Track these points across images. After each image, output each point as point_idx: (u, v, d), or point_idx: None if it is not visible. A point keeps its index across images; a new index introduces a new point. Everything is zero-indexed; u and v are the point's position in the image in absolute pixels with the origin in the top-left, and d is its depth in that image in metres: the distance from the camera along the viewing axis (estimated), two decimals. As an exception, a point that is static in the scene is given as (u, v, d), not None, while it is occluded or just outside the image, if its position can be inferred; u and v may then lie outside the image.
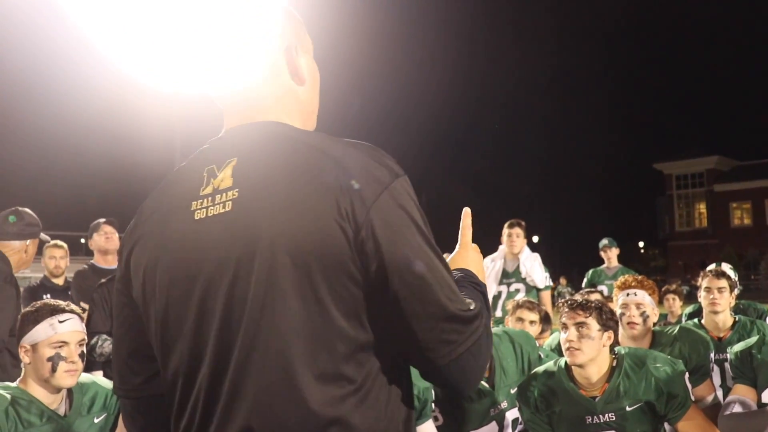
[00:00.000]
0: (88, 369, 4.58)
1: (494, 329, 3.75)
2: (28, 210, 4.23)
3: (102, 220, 5.92)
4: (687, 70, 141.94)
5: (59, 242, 6.38)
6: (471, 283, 1.50)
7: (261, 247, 1.25)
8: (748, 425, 3.30)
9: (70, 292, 6.09)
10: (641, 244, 73.32)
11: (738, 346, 3.67)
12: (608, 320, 3.25)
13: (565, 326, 3.24)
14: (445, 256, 1.36)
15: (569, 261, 60.75)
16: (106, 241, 5.78)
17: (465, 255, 1.66)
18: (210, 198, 1.35)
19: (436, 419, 3.49)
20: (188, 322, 1.33)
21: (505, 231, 7.56)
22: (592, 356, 3.19)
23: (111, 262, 5.81)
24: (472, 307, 1.31)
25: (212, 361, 1.29)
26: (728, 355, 3.86)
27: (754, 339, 3.64)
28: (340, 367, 1.25)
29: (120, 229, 6.09)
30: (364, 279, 1.26)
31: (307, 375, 1.23)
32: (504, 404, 3.62)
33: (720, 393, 4.18)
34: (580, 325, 3.19)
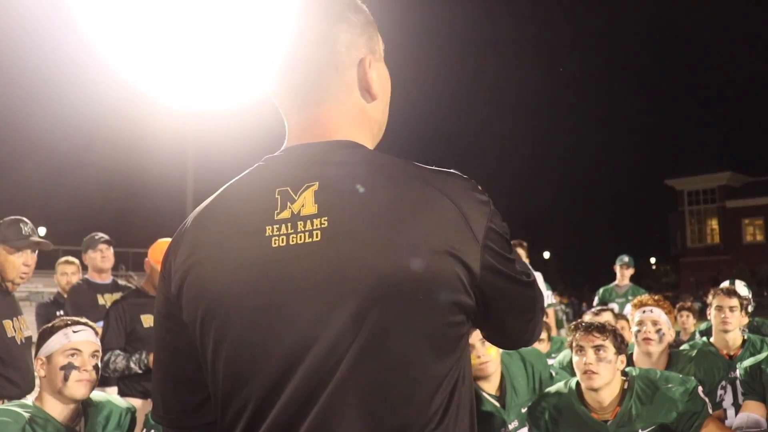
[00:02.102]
0: (103, 384, 4.64)
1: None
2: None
3: (98, 236, 5.92)
4: (699, 86, 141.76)
5: (71, 258, 6.44)
6: None
7: (367, 286, 1.19)
8: None
9: (61, 312, 6.04)
10: (653, 260, 72.88)
11: (747, 362, 3.67)
12: (621, 344, 3.24)
13: (581, 349, 3.20)
14: None
15: (580, 277, 60.52)
16: (102, 260, 5.82)
17: None
18: (289, 224, 1.26)
19: None
20: (267, 356, 1.24)
21: None
22: (608, 380, 3.16)
23: (105, 278, 5.86)
24: (536, 293, 1.43)
25: (290, 402, 1.22)
26: (738, 372, 3.87)
27: (763, 354, 3.64)
28: (427, 409, 1.22)
29: (119, 245, 6.13)
30: (471, 309, 1.28)
31: (399, 420, 1.21)
32: (514, 424, 3.59)
33: (732, 411, 4.18)
34: (597, 348, 3.17)
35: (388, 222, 1.21)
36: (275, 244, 1.26)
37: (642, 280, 57.34)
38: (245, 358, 1.26)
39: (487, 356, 3.48)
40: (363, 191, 1.25)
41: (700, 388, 3.22)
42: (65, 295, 6.18)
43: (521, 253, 7.54)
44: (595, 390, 3.18)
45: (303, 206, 1.26)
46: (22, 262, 3.90)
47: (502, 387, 3.63)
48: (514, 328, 1.42)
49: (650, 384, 3.22)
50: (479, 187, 1.32)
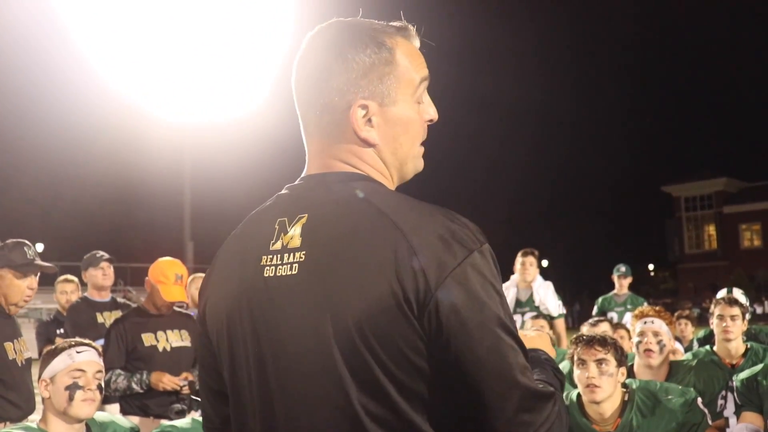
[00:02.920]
0: (104, 402, 4.63)
1: None
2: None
3: (99, 254, 5.93)
4: (695, 93, 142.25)
5: (70, 276, 6.45)
6: (543, 360, 1.43)
7: (316, 325, 1.23)
8: None
9: (61, 330, 6.09)
10: (651, 266, 72.93)
11: (743, 374, 3.69)
12: (622, 356, 3.26)
13: (583, 362, 3.20)
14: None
15: (579, 284, 60.55)
16: (103, 278, 5.83)
17: (531, 336, 1.54)
18: (279, 256, 1.30)
19: None
20: (250, 384, 1.33)
21: (519, 260, 7.67)
22: (610, 393, 3.18)
23: (104, 296, 5.87)
24: (544, 388, 1.25)
25: (261, 426, 1.32)
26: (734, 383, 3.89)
27: (759, 367, 3.66)
28: None
29: (117, 259, 6.14)
30: (429, 365, 1.21)
31: None
32: None
33: (733, 420, 4.19)
34: (599, 362, 3.18)
35: (345, 264, 1.23)
36: (266, 273, 1.32)
37: (640, 286, 57.33)
38: (237, 380, 1.36)
39: None
40: (336, 227, 1.27)
41: (699, 400, 3.25)
42: (65, 314, 6.18)
43: (533, 261, 7.59)
44: (597, 403, 3.19)
45: (291, 238, 1.31)
46: (26, 285, 3.91)
47: None
48: (488, 407, 1.20)
49: (650, 396, 3.24)
50: (461, 233, 1.24)
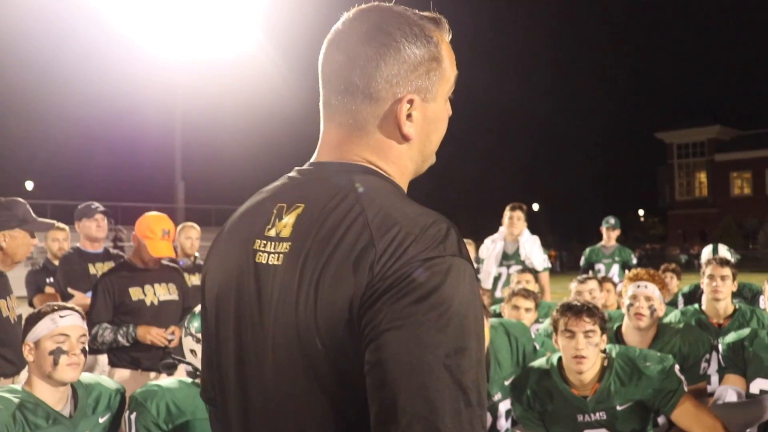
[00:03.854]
0: (93, 353, 4.66)
1: (491, 320, 3.78)
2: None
3: (94, 205, 5.85)
4: (689, 39, 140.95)
5: (61, 224, 6.38)
6: None
7: (287, 319, 1.22)
8: (741, 414, 3.36)
9: (51, 279, 6.08)
10: (641, 212, 73.34)
11: (729, 338, 3.72)
12: (605, 323, 3.30)
13: (571, 333, 3.21)
14: None
15: (570, 229, 60.90)
16: (97, 230, 5.74)
17: None
18: (271, 243, 1.28)
19: None
20: (231, 363, 1.34)
21: (507, 213, 7.77)
22: (594, 361, 3.24)
23: (97, 247, 5.81)
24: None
25: (239, 409, 1.34)
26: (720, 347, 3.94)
27: (746, 331, 3.70)
28: None
29: (108, 198, 6.09)
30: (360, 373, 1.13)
31: None
32: (497, 396, 3.68)
33: (716, 378, 4.27)
34: (587, 333, 3.20)
35: (317, 262, 1.19)
36: (258, 259, 1.29)
37: (630, 232, 57.78)
38: (221, 358, 1.37)
39: None
40: (323, 223, 1.22)
41: (677, 367, 3.29)
42: (55, 262, 6.16)
43: (520, 216, 7.66)
44: (582, 372, 3.24)
45: (285, 227, 1.28)
46: (30, 242, 3.93)
47: (486, 360, 3.68)
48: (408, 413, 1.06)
49: (629, 362, 3.29)
50: (443, 246, 1.15)
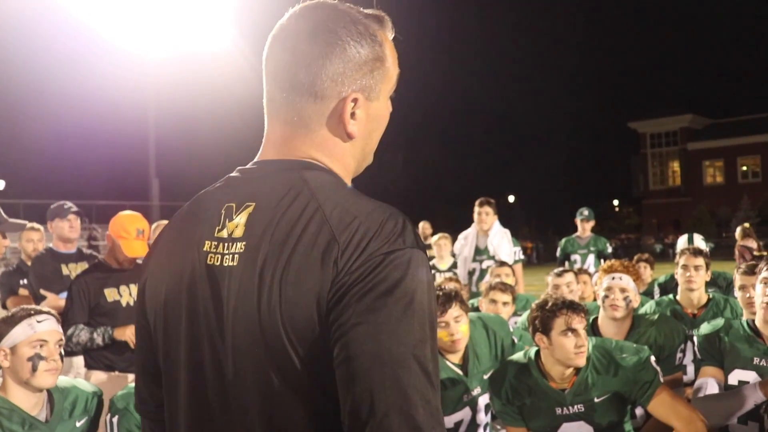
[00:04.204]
0: (69, 354, 4.60)
1: (470, 314, 3.79)
2: None
3: (67, 205, 5.77)
4: (661, 28, 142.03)
5: (36, 225, 6.31)
6: None
7: (248, 318, 1.20)
8: (722, 406, 3.38)
9: (25, 281, 5.99)
10: (616, 202, 73.86)
11: (704, 329, 3.75)
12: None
13: (574, 331, 3.22)
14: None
15: (544, 220, 61.20)
16: (70, 230, 5.67)
17: None
18: (224, 244, 1.27)
19: None
20: (183, 369, 1.31)
21: (476, 209, 7.86)
22: None
23: (70, 248, 5.74)
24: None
25: (189, 416, 1.30)
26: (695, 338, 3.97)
27: (720, 321, 3.72)
28: None
29: (81, 197, 6.03)
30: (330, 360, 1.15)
31: None
32: (477, 390, 3.69)
33: (691, 368, 4.31)
34: (583, 328, 3.27)
35: (276, 261, 1.19)
36: (210, 261, 1.28)
37: (605, 222, 58.24)
38: (167, 366, 1.34)
39: (459, 333, 3.56)
40: (276, 220, 1.23)
41: (652, 358, 3.32)
42: (29, 263, 6.08)
43: (489, 211, 7.71)
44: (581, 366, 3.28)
45: (236, 227, 1.27)
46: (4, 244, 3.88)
47: (465, 355, 3.71)
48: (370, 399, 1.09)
49: (606, 354, 3.32)
50: (402, 239, 1.17)
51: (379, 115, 1.38)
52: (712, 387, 3.52)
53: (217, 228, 1.29)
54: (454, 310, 3.54)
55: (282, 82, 1.32)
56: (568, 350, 3.23)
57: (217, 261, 1.26)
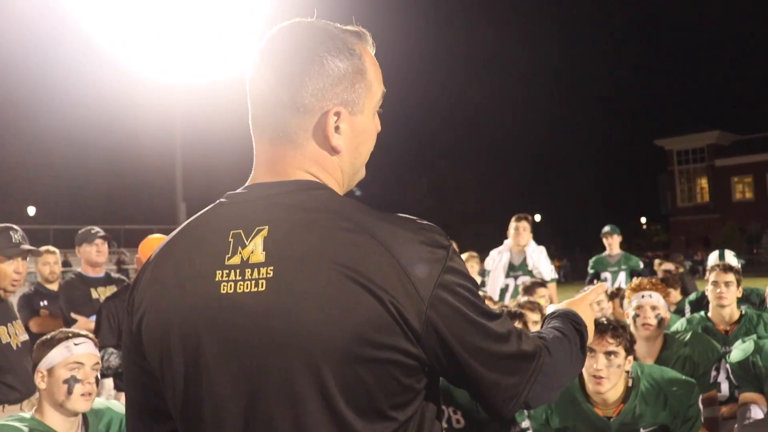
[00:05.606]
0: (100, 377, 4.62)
1: None
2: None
3: (94, 230, 5.86)
4: (686, 45, 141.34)
5: (51, 248, 6.39)
6: (571, 321, 1.55)
7: (298, 345, 1.18)
8: None
9: (44, 302, 6.03)
10: (643, 220, 73.19)
11: (735, 356, 3.68)
12: (631, 345, 3.16)
13: (592, 351, 3.07)
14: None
15: (571, 240, 60.77)
16: (97, 255, 5.76)
17: (580, 304, 1.70)
18: (238, 271, 1.24)
19: (458, 422, 3.51)
20: (210, 405, 1.26)
21: (513, 224, 7.73)
22: (615, 383, 3.11)
23: (98, 272, 5.81)
24: (527, 348, 1.32)
25: None
26: (728, 366, 3.91)
27: (750, 346, 3.65)
28: None
29: (110, 221, 6.07)
30: (423, 371, 1.24)
31: None
32: (524, 424, 3.56)
33: (725, 386, 4.24)
34: (609, 354, 3.07)
35: (325, 279, 1.19)
36: (223, 290, 1.25)
37: (633, 239, 57.69)
38: (192, 401, 1.27)
39: None
40: (308, 240, 1.22)
41: (700, 398, 3.21)
42: (47, 285, 6.16)
43: (526, 226, 7.64)
44: (601, 393, 3.13)
45: (252, 252, 1.25)
46: (13, 269, 3.90)
47: None
48: (492, 388, 1.29)
49: (655, 384, 3.19)
50: (437, 239, 1.26)
51: (365, 129, 1.39)
52: (756, 413, 3.45)
53: (226, 256, 1.26)
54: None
55: (265, 102, 1.34)
56: (586, 371, 3.12)
57: (231, 289, 1.24)
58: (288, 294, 1.20)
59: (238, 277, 1.24)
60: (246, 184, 1.37)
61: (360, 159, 1.41)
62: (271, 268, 1.22)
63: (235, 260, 1.25)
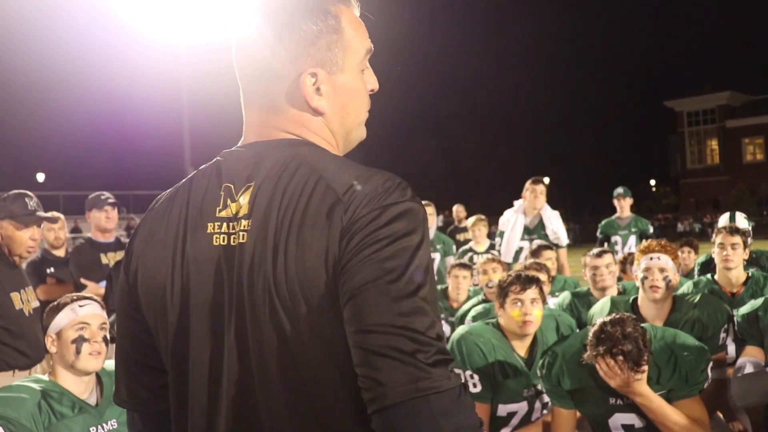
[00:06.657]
0: (113, 342, 4.67)
1: (546, 309, 3.78)
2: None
3: (104, 196, 5.88)
4: (697, 5, 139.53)
5: (56, 213, 6.39)
6: None
7: (265, 289, 1.22)
8: (761, 385, 3.33)
9: (51, 269, 6.07)
10: (653, 182, 72.91)
11: (744, 309, 3.67)
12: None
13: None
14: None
15: (581, 201, 60.76)
16: (107, 220, 5.79)
17: None
18: (229, 224, 1.29)
19: (474, 386, 3.56)
20: (206, 352, 1.29)
21: (528, 187, 7.59)
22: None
23: (108, 237, 5.86)
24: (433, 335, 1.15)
25: (229, 399, 1.27)
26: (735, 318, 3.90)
27: (759, 301, 3.65)
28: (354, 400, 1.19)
29: (118, 187, 6.06)
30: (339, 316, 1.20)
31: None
32: (540, 386, 3.59)
33: (732, 348, 4.24)
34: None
35: (293, 231, 1.22)
36: (216, 242, 1.30)
37: (642, 202, 57.52)
38: (182, 352, 1.32)
39: (531, 316, 3.56)
40: (280, 195, 1.26)
41: (710, 365, 3.19)
42: (53, 251, 6.20)
43: (543, 190, 7.59)
44: None
45: (242, 207, 1.29)
46: (29, 236, 3.94)
47: (532, 350, 3.69)
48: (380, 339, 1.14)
49: (667, 348, 3.18)
50: (402, 194, 1.22)
51: (349, 87, 1.38)
52: (748, 367, 3.47)
53: (218, 209, 1.31)
54: (533, 292, 3.58)
55: (246, 69, 1.38)
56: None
57: (224, 241, 1.29)
58: (259, 244, 1.24)
59: (230, 230, 1.29)
60: (239, 144, 1.41)
61: (350, 118, 1.41)
62: (249, 220, 1.27)
63: (226, 213, 1.30)
